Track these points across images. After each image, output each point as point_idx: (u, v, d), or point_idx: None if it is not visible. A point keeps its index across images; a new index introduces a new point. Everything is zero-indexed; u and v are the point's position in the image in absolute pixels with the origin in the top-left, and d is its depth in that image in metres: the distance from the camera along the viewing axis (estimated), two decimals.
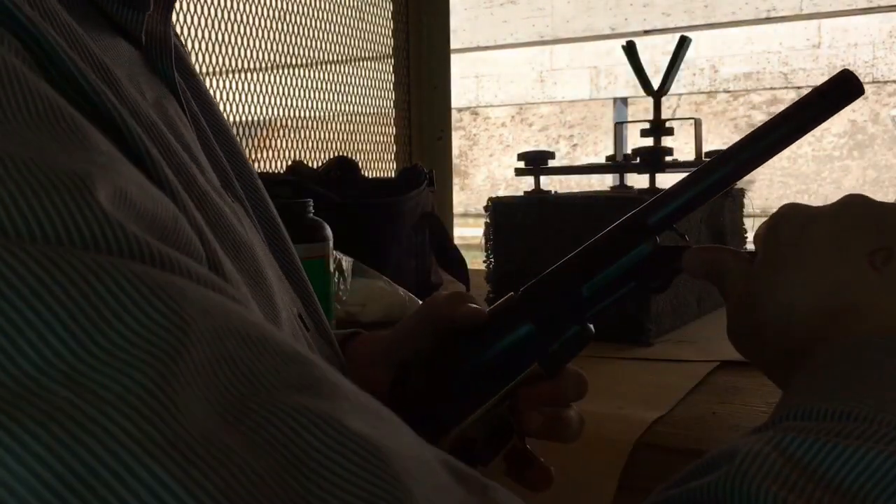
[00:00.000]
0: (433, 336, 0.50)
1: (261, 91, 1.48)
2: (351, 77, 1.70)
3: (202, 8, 1.35)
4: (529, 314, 0.48)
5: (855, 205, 0.43)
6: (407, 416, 0.46)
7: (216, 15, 1.38)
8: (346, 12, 1.68)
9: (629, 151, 1.07)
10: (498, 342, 0.47)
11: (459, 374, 0.47)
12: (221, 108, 1.50)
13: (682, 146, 1.05)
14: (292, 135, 1.57)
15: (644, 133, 1.07)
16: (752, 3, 7.84)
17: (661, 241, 0.48)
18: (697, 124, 1.12)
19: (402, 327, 0.53)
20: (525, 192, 1.05)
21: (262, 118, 1.50)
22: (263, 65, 1.49)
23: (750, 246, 1.22)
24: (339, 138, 1.68)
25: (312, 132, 1.62)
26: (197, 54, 1.34)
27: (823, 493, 0.28)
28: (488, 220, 1.03)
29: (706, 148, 1.11)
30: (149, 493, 0.19)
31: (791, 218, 0.44)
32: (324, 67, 1.63)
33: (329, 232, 0.91)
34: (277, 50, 1.51)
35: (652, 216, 0.48)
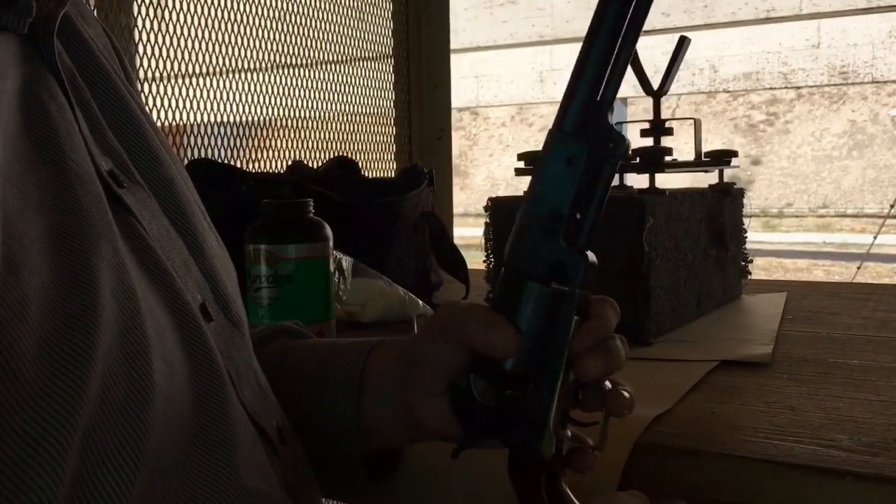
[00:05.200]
0: (461, 349, 0.50)
1: (261, 91, 1.48)
2: (351, 77, 1.70)
3: (202, 8, 1.35)
4: (537, 280, 0.47)
5: None
6: (494, 429, 0.47)
7: (216, 15, 1.38)
8: (346, 12, 1.68)
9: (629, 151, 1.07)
10: (532, 326, 0.47)
11: (521, 375, 0.47)
12: (221, 108, 1.50)
13: (681, 146, 1.05)
14: (292, 135, 1.57)
15: (644, 133, 1.07)
16: (752, 4, 7.84)
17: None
18: (697, 124, 1.12)
19: (419, 344, 0.54)
20: (525, 193, 1.05)
21: (262, 118, 1.50)
22: (263, 65, 1.49)
23: (749, 245, 1.22)
24: (339, 138, 1.68)
25: (312, 132, 1.62)
26: (197, 54, 1.35)
27: None
28: (488, 220, 1.03)
29: (706, 148, 1.11)
30: None
31: None
32: (324, 67, 1.63)
33: (329, 232, 0.91)
34: (277, 50, 1.51)
35: (568, 123, 0.46)
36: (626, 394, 0.49)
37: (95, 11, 1.20)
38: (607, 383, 0.50)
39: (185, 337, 0.42)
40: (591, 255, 0.48)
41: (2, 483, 0.29)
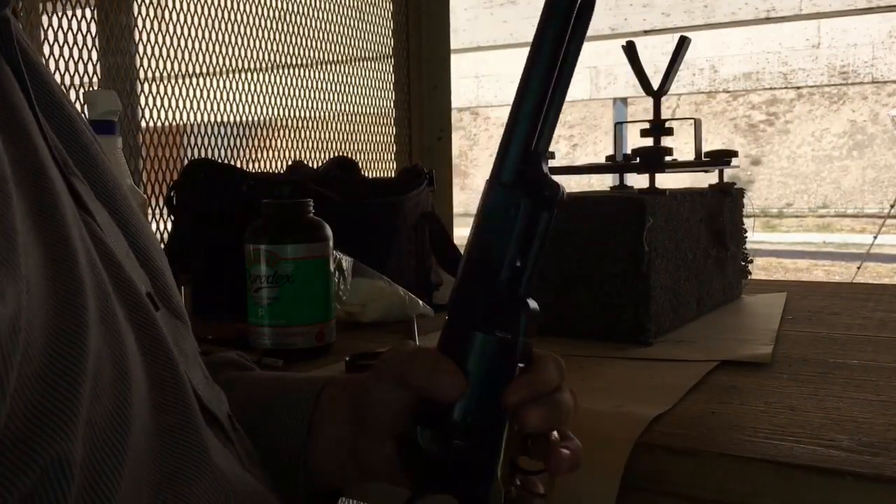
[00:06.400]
0: (407, 393, 0.50)
1: (261, 91, 1.48)
2: (351, 77, 1.70)
3: (202, 8, 1.35)
4: (480, 329, 0.47)
5: None
6: (442, 480, 0.47)
7: (216, 15, 1.38)
8: (346, 12, 1.68)
9: (629, 151, 1.07)
10: (476, 375, 0.47)
11: (466, 425, 0.47)
12: (221, 108, 1.50)
13: (681, 146, 1.05)
14: (292, 135, 1.57)
15: (644, 133, 1.07)
16: (752, 4, 7.84)
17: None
18: (697, 124, 1.12)
19: (367, 387, 0.53)
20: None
21: (262, 118, 1.50)
22: (263, 65, 1.49)
23: (749, 245, 1.22)
24: (339, 138, 1.69)
25: (312, 132, 1.62)
26: (197, 54, 1.35)
27: None
28: None
29: (706, 148, 1.11)
30: None
31: None
32: (324, 67, 1.63)
33: (329, 232, 0.91)
34: (277, 50, 1.51)
35: (505, 174, 0.46)
36: (566, 451, 0.48)
37: (96, 11, 1.20)
38: (555, 434, 0.49)
39: (139, 326, 0.43)
40: (532, 303, 0.47)
41: (22, 442, 0.32)
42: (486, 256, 0.47)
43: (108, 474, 0.35)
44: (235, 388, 0.59)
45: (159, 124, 1.28)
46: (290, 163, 1.40)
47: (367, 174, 1.70)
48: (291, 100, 1.55)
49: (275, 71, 1.51)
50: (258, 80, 1.47)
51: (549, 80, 0.46)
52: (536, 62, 0.46)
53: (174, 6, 1.30)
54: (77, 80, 1.17)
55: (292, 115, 1.56)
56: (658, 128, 1.05)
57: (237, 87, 1.43)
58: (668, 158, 1.02)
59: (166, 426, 0.41)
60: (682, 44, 1.06)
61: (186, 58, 1.32)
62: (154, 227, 1.25)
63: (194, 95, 1.34)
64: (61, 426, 0.33)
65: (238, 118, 1.45)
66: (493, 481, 0.46)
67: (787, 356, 0.86)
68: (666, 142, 1.06)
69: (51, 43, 1.14)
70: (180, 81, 1.31)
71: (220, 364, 0.65)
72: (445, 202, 1.82)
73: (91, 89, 1.18)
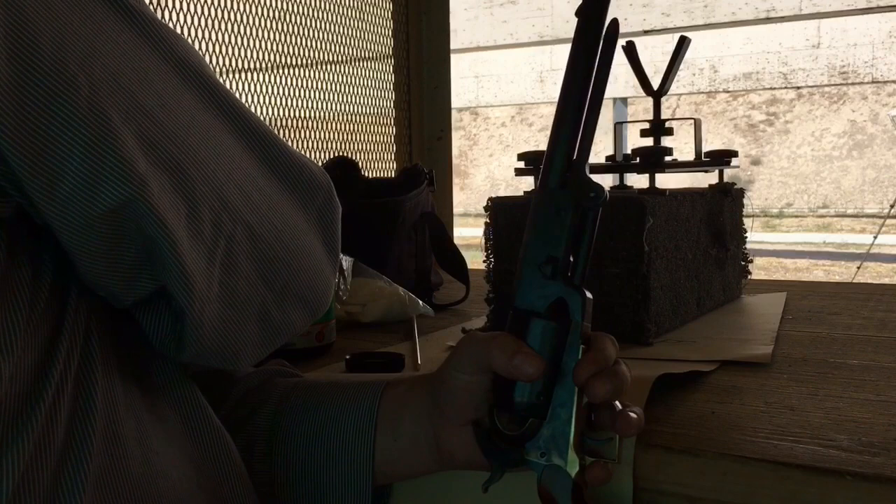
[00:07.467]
0: (482, 373, 0.53)
1: (261, 91, 1.48)
2: (351, 77, 1.70)
3: (202, 8, 1.35)
4: (545, 317, 0.52)
5: None
6: (521, 457, 0.51)
7: (216, 15, 1.38)
8: (346, 12, 1.68)
9: (629, 151, 1.07)
10: (546, 357, 0.51)
11: (540, 403, 0.51)
12: None
13: (681, 146, 1.05)
14: (292, 135, 1.57)
15: (644, 133, 1.07)
16: (752, 4, 7.83)
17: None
18: (697, 124, 1.12)
19: (444, 375, 0.55)
20: (525, 192, 1.05)
21: (262, 118, 1.50)
22: (263, 65, 1.49)
23: (749, 245, 1.22)
24: (339, 138, 1.68)
25: (312, 132, 1.62)
26: None
27: None
28: (488, 220, 1.03)
29: (706, 148, 1.11)
30: None
31: None
32: (324, 67, 1.63)
33: None
34: (277, 50, 1.51)
35: (550, 180, 0.52)
36: (633, 415, 0.52)
37: None
38: (618, 404, 0.52)
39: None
40: (587, 292, 0.52)
41: None
42: (541, 253, 0.53)
43: None
44: (290, 399, 0.60)
45: None
46: None
47: (367, 174, 1.70)
48: (291, 100, 1.55)
49: (275, 71, 1.51)
50: (258, 80, 1.47)
51: (585, 96, 0.52)
52: (572, 83, 0.52)
53: (174, 6, 1.30)
54: None
55: (292, 115, 1.56)
56: (658, 128, 1.05)
57: (237, 87, 1.43)
58: (668, 158, 1.02)
59: None
60: (682, 44, 1.06)
61: None
62: None
63: None
64: None
65: None
66: (568, 451, 0.51)
67: (787, 356, 0.86)
68: (666, 142, 1.06)
69: None
70: None
71: (269, 375, 0.65)
72: (445, 202, 1.82)
73: None
